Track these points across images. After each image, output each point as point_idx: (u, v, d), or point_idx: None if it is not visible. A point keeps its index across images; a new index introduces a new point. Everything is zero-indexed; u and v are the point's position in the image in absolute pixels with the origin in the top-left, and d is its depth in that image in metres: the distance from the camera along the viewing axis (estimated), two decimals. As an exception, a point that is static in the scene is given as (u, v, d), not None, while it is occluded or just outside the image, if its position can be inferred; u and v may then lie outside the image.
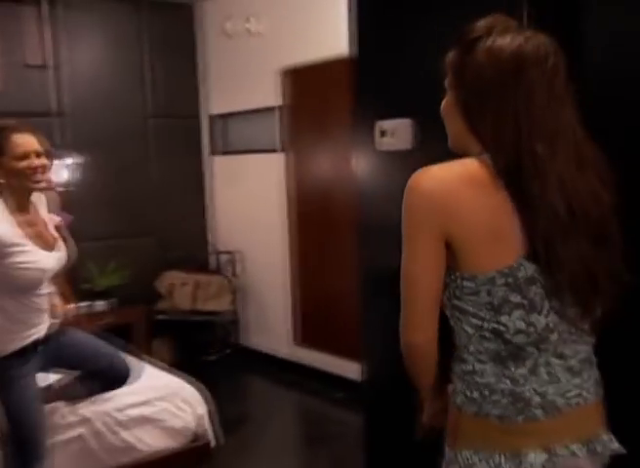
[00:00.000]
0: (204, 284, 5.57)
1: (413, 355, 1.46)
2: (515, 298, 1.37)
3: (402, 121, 2.45)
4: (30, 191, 2.68)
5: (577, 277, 1.37)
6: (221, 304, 5.57)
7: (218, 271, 5.77)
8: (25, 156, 2.58)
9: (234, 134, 5.86)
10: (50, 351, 2.85)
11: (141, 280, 5.50)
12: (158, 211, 5.81)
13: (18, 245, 2.57)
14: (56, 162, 4.91)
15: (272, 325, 5.57)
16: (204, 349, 5.67)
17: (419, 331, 1.42)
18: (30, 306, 2.72)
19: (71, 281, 3.22)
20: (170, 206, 5.86)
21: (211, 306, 5.54)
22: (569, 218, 1.34)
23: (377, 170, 2.62)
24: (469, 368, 1.44)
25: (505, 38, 1.36)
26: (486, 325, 1.40)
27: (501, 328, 1.39)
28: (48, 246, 2.72)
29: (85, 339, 3.03)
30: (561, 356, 1.43)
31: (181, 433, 3.39)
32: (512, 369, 1.41)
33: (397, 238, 1.40)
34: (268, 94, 5.24)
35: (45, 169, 2.65)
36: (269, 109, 5.29)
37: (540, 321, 1.39)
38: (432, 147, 1.66)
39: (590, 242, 1.38)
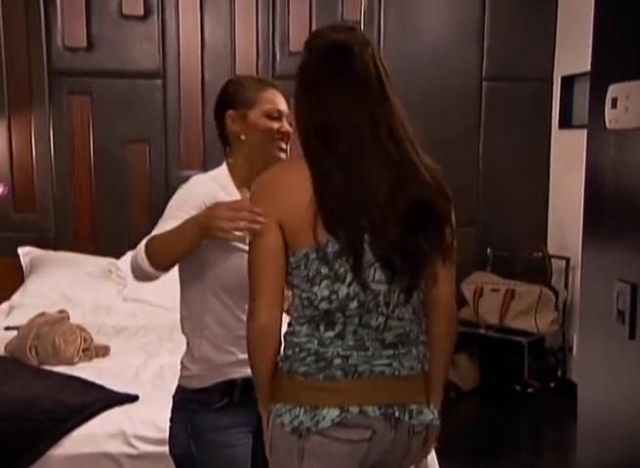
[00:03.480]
0: (521, 293, 4.37)
1: (259, 338, 1.60)
2: (324, 270, 1.57)
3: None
4: (267, 161, 1.98)
5: (383, 255, 1.57)
6: (541, 323, 4.31)
7: (542, 280, 4.47)
8: (276, 117, 2.02)
9: (579, 102, 4.44)
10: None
11: None
12: (484, 196, 4.77)
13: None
14: None
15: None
16: (518, 376, 4.48)
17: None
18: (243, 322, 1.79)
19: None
20: (499, 191, 4.76)
21: (523, 324, 4.32)
22: (383, 202, 1.56)
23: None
24: (290, 329, 1.64)
25: None
26: (304, 294, 1.59)
27: (312, 296, 1.58)
28: None
29: None
30: (367, 326, 1.60)
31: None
32: (322, 331, 1.59)
33: None
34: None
35: (289, 139, 2.06)
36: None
37: (343, 290, 1.57)
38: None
39: (400, 223, 1.57)
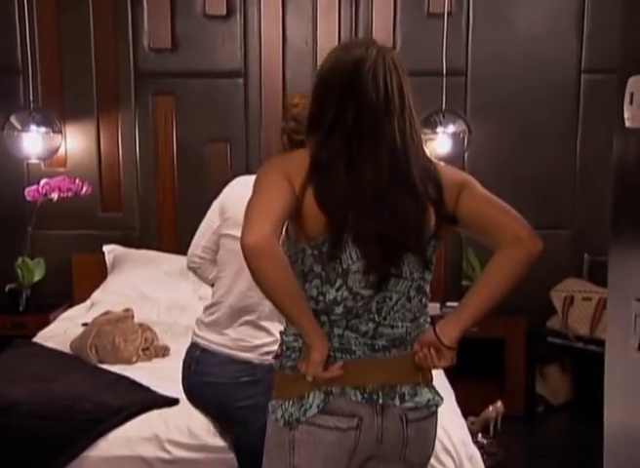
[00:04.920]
0: (617, 304, 4.02)
1: (256, 259, 1.46)
2: (317, 269, 1.57)
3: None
4: None
5: (370, 256, 1.55)
6: (639, 336, 3.95)
7: None
8: None
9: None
10: None
11: (534, 284, 4.23)
12: (580, 196, 4.44)
13: None
14: (439, 129, 4.15)
15: None
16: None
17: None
18: None
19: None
20: (597, 191, 4.37)
21: (618, 337, 3.97)
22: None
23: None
24: (282, 328, 1.67)
25: None
26: None
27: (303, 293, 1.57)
28: None
29: None
30: (356, 330, 1.59)
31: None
32: None
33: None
34: None
35: None
36: None
37: (331, 293, 1.57)
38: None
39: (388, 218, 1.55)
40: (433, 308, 4.12)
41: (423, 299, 1.65)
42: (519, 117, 4.35)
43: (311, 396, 1.56)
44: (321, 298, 1.57)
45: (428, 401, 1.64)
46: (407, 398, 1.62)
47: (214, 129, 4.42)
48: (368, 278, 1.56)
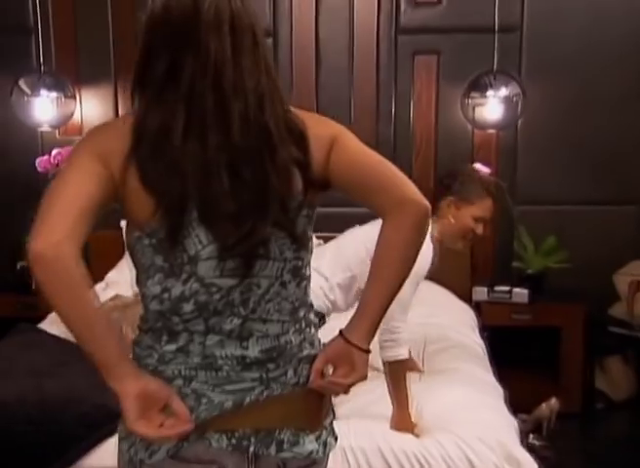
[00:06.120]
0: (689, 289, 3.58)
1: (39, 271, 1.20)
2: (159, 261, 1.31)
3: None
4: (451, 246, 2.60)
5: (223, 238, 1.29)
6: None
7: None
8: (481, 221, 2.55)
9: None
10: None
11: (594, 266, 3.83)
12: (651, 169, 3.97)
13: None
14: (489, 93, 3.76)
15: None
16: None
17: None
18: None
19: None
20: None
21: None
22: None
23: None
24: (136, 337, 1.41)
25: None
26: (142, 289, 1.35)
27: (147, 292, 1.33)
28: None
29: None
30: (220, 331, 1.33)
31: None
32: (163, 343, 1.33)
33: None
34: None
35: (477, 239, 2.65)
36: None
37: (177, 287, 1.31)
38: None
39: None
40: (481, 293, 3.82)
41: (303, 284, 1.39)
42: (581, 79, 3.91)
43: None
44: (166, 296, 1.32)
45: (310, 453, 1.39)
46: (285, 447, 1.37)
47: (240, 93, 4.04)
48: (224, 265, 1.30)
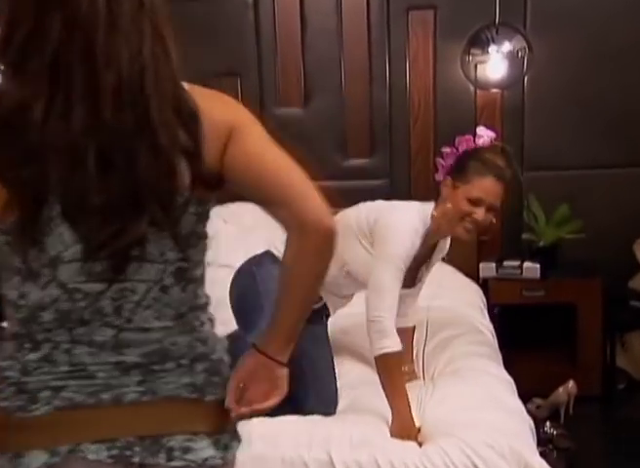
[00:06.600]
0: None
1: None
2: (15, 262, 1.19)
3: None
4: (450, 234, 2.42)
5: (89, 237, 1.16)
6: None
7: None
8: (479, 204, 2.27)
9: None
10: None
11: (611, 236, 3.60)
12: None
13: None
14: (491, 48, 3.54)
15: None
16: None
17: None
18: None
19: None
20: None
21: None
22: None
23: None
24: None
25: None
26: (1, 291, 1.24)
27: (6, 296, 1.23)
28: None
29: None
30: (90, 343, 1.20)
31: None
32: (25, 352, 1.21)
33: None
34: None
35: (480, 227, 2.36)
36: None
37: (34, 293, 1.19)
38: None
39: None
40: (488, 269, 3.58)
41: (190, 288, 1.26)
42: (591, 32, 3.66)
43: (32, 455, 1.18)
44: (23, 302, 1.20)
45: (206, 460, 1.25)
46: (176, 454, 1.23)
47: (220, 61, 3.80)
48: (90, 268, 1.17)
